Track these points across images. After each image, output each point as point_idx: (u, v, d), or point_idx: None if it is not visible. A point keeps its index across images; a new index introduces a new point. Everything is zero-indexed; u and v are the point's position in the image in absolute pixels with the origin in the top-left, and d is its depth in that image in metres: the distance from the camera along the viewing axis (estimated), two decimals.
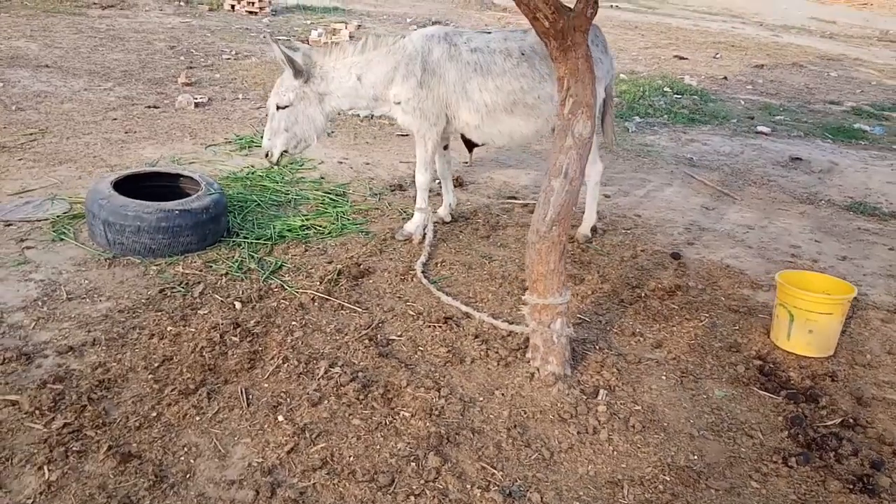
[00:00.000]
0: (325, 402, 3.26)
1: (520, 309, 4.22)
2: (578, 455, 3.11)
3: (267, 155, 4.90)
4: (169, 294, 4.07)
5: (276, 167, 5.12)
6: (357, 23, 15.11)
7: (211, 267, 4.43)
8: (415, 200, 5.14)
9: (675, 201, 6.45)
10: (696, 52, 16.53)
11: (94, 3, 13.85)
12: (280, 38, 12.96)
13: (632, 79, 11.91)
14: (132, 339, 3.62)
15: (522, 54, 4.76)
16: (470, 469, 2.96)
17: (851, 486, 3.03)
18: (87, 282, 4.11)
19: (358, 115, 6.06)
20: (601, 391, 3.52)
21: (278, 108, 4.76)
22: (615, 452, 3.15)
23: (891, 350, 4.19)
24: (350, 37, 13.20)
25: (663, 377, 3.75)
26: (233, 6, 15.81)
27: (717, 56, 16.11)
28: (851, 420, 3.49)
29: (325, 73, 4.75)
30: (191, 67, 9.66)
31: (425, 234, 5.03)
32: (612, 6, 27.07)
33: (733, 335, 4.22)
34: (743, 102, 11.39)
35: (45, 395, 3.07)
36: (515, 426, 3.23)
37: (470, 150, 6.58)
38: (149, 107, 7.67)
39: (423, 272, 4.56)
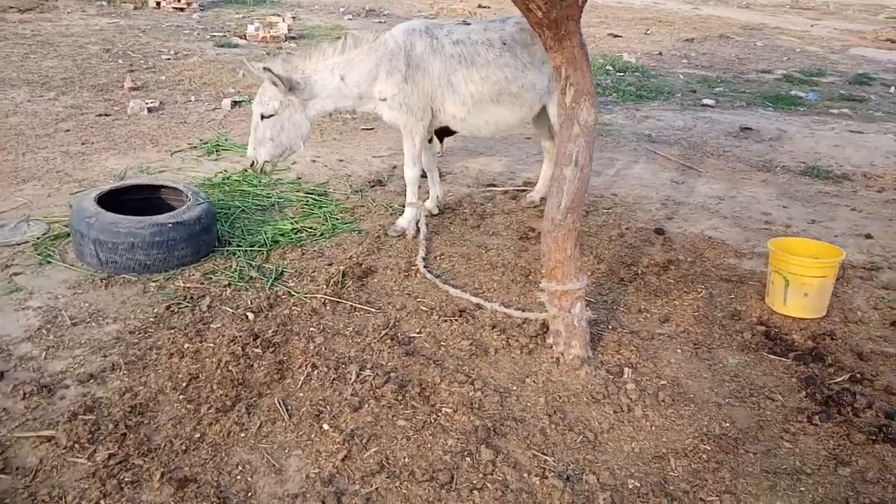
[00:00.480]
0: (366, 406, 3.26)
1: (527, 296, 4.32)
2: (620, 434, 3.21)
3: (252, 164, 4.80)
4: (176, 310, 3.97)
5: (261, 175, 5.01)
6: (291, 14, 14.82)
7: (211, 279, 4.33)
8: (402, 195, 5.12)
9: (645, 178, 6.63)
10: (628, 30, 16.88)
11: (11, 8, 13.16)
12: (215, 33, 12.66)
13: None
14: (152, 360, 3.52)
15: (504, 44, 4.80)
16: (522, 458, 3.01)
17: (874, 437, 3.23)
18: (87, 305, 3.97)
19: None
20: (626, 369, 3.63)
21: (262, 117, 4.67)
22: (653, 427, 3.26)
23: (876, 306, 4.45)
24: (288, 29, 12.97)
25: (678, 350, 3.88)
26: (158, 3, 15.29)
27: (648, 32, 16.51)
28: (858, 375, 3.70)
29: (308, 77, 4.68)
30: (132, 70, 9.31)
31: (418, 228, 5.04)
32: None
33: (732, 304, 4.40)
34: (682, 77, 11.73)
35: (80, 428, 2.97)
36: (555, 412, 3.30)
37: (441, 141, 6.62)
38: (100, 115, 7.38)
39: (425, 267, 4.57)
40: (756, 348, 3.94)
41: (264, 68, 4.52)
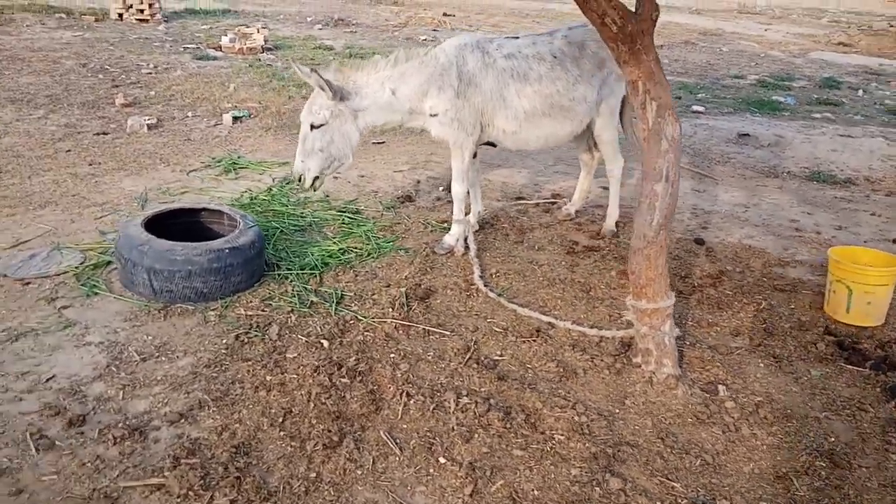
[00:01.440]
0: (476, 436, 3.15)
1: (593, 312, 4.28)
2: (735, 455, 3.18)
3: (299, 179, 4.63)
4: (246, 340, 3.79)
5: (309, 191, 4.85)
6: (260, 25, 14.51)
7: (270, 305, 4.16)
8: (434, 210, 5.00)
9: None
10: None
11: None
12: (187, 45, 12.33)
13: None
14: (237, 395, 3.35)
15: (554, 57, 4.76)
16: (650, 485, 2.95)
17: None
18: (149, 338, 3.76)
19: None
20: (720, 387, 3.61)
21: (312, 127, 4.51)
22: (764, 446, 3.24)
23: None
24: (265, 40, 12.70)
25: (761, 364, 3.89)
26: (120, 15, 14.81)
27: None
28: None
29: (359, 88, 4.55)
30: (116, 86, 8.97)
31: (467, 245, 4.95)
32: None
33: (794, 314, 4.43)
34: None
35: (189, 474, 2.79)
36: (665, 434, 3.26)
37: (475, 155, 6.52)
38: (97, 134, 7.06)
39: (486, 286, 4.48)
40: (832, 359, 3.97)
41: (312, 70, 4.38)
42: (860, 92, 12.53)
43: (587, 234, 5.48)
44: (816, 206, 6.37)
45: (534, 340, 3.95)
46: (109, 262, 4.45)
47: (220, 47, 12.36)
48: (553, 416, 3.31)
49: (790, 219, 6.03)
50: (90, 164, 6.20)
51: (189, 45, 12.40)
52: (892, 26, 20.02)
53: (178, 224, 4.58)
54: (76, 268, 4.36)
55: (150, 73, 9.83)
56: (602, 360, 3.79)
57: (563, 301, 4.43)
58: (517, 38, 4.89)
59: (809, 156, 7.99)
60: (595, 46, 4.85)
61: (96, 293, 4.12)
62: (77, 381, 3.35)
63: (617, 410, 3.41)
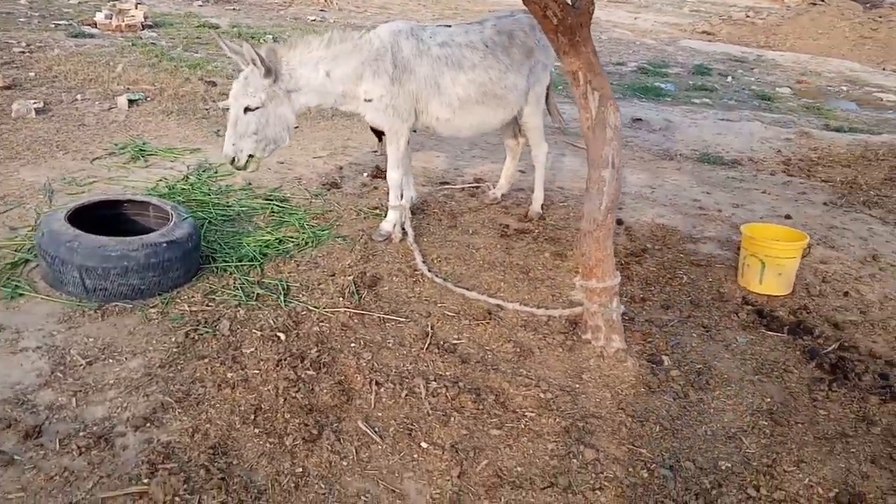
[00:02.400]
0: (453, 419, 3.22)
1: (535, 293, 4.44)
2: (689, 419, 3.43)
3: (233, 161, 4.47)
4: (198, 338, 3.65)
5: (242, 172, 4.70)
6: (135, 0, 13.66)
7: (214, 299, 4.02)
8: (361, 197, 4.99)
9: (579, 170, 6.93)
10: None
11: None
12: (58, 21, 11.46)
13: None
14: (200, 394, 3.24)
15: (486, 46, 4.84)
16: (619, 453, 3.14)
17: (885, 398, 3.69)
18: (90, 340, 3.54)
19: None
20: (664, 357, 3.86)
21: (247, 109, 4.36)
22: (712, 410, 3.52)
23: (824, 279, 5.02)
24: (144, 17, 12.00)
25: (694, 335, 4.18)
26: None
27: None
28: (846, 343, 4.19)
29: (293, 69, 4.43)
30: None
31: (404, 231, 4.97)
32: None
33: (713, 287, 4.78)
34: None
35: (172, 479, 2.68)
36: (625, 405, 3.45)
37: (379, 139, 6.52)
38: None
39: (431, 271, 4.53)
40: (754, 326, 4.33)
41: (246, 43, 4.24)
42: (729, 78, 13.47)
43: (515, 216, 5.63)
44: (713, 186, 6.85)
45: (487, 323, 4.05)
46: (28, 261, 4.13)
47: (96, 24, 11.54)
48: (520, 395, 3.42)
49: (692, 198, 6.45)
50: None
51: (59, 22, 11.51)
52: (748, 17, 21.59)
53: (99, 217, 4.31)
54: None
55: (24, 53, 9.05)
56: (554, 339, 3.94)
57: (506, 283, 4.56)
58: (449, 26, 4.93)
59: (697, 139, 8.55)
60: (523, 36, 4.98)
61: (20, 294, 3.82)
62: (22, 390, 3.12)
63: (577, 385, 3.58)
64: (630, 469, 3.04)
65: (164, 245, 3.93)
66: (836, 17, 19.51)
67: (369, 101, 4.62)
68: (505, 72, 4.87)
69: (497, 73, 4.83)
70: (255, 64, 4.26)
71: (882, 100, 13.09)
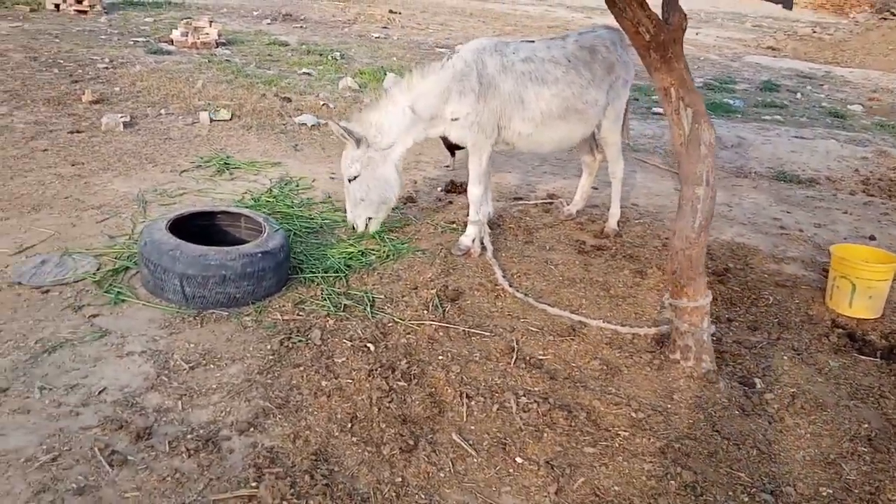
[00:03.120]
0: (546, 435, 3.22)
1: (617, 310, 4.41)
2: (786, 444, 3.36)
3: (353, 228, 4.88)
4: (291, 346, 3.74)
5: (367, 237, 5.04)
6: (208, 18, 14.10)
7: (304, 309, 4.12)
8: (437, 211, 5.08)
9: (651, 187, 6.89)
10: (538, 37, 17.36)
11: None
12: (137, 38, 11.90)
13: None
14: (298, 401, 3.31)
15: (569, 61, 4.86)
16: (718, 477, 3.09)
17: None
18: (191, 345, 3.66)
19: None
20: (756, 380, 3.79)
21: (349, 180, 4.68)
22: (809, 435, 3.44)
23: None
24: (218, 35, 12.36)
25: (784, 357, 4.10)
26: (57, 5, 14.12)
27: None
28: None
29: (381, 128, 4.63)
30: (76, 81, 8.58)
31: (483, 246, 5.00)
32: None
33: (801, 308, 4.68)
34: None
35: (279, 483, 2.75)
36: (720, 427, 3.40)
37: (452, 154, 6.58)
38: (71, 132, 6.75)
39: (511, 286, 4.55)
40: (846, 350, 4.23)
41: (334, 121, 4.62)
42: (798, 94, 13.20)
43: (590, 233, 5.62)
44: (792, 205, 6.72)
45: (571, 339, 4.05)
46: (128, 268, 4.29)
47: (172, 41, 11.95)
48: (612, 414, 3.41)
49: (772, 217, 6.34)
50: (73, 165, 5.93)
51: (138, 39, 11.96)
52: (814, 32, 21.14)
53: (195, 227, 4.46)
54: (93, 274, 4.19)
55: (108, 68, 9.44)
56: (641, 357, 3.91)
57: (587, 300, 4.55)
58: (532, 41, 4.97)
59: (772, 156, 8.39)
60: (605, 52, 4.99)
61: (123, 300, 3.98)
62: (130, 393, 3.24)
63: (668, 405, 3.54)
64: (730, 493, 2.99)
65: (259, 255, 4.05)
66: None
67: (455, 119, 4.69)
68: (586, 87, 4.88)
69: (579, 88, 4.85)
70: (344, 138, 4.49)
71: None
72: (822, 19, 27.48)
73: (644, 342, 4.09)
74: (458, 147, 6.04)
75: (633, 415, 3.41)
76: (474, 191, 4.95)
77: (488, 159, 4.91)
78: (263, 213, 4.99)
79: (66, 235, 4.67)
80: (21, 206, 5.05)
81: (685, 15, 4.00)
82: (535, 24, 20.24)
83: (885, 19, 19.79)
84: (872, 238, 5.98)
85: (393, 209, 5.52)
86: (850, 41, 19.47)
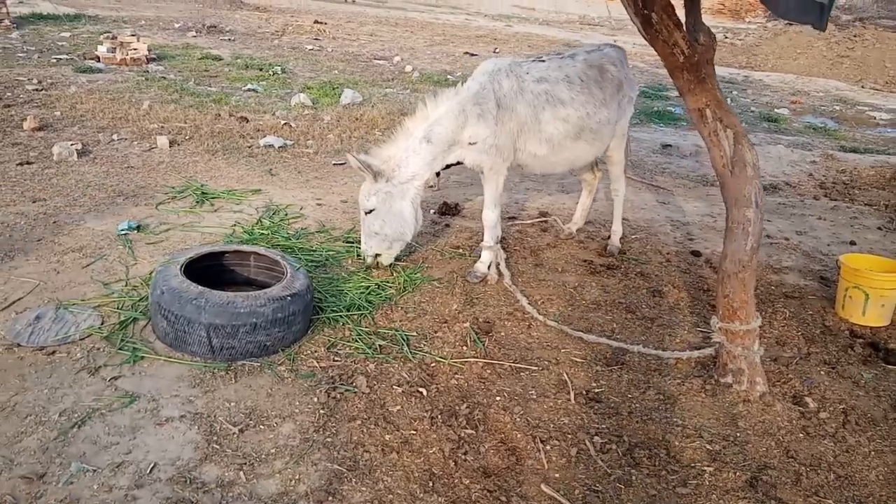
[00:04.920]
0: (634, 478, 3.10)
1: (649, 333, 4.35)
2: (858, 465, 3.35)
3: (364, 259, 4.73)
4: (340, 397, 3.48)
5: (379, 269, 4.80)
6: (131, 32, 13.36)
7: (338, 353, 3.86)
8: (438, 237, 4.92)
9: (633, 200, 6.91)
10: (474, 47, 17.40)
11: None
12: (59, 56, 11.12)
13: (458, 81, 12.23)
14: (368, 461, 3.07)
15: (582, 81, 4.78)
16: None
17: None
18: (231, 404, 3.34)
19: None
20: (808, 400, 3.79)
21: (366, 213, 4.50)
22: (874, 453, 3.45)
23: None
24: (149, 50, 11.70)
25: (822, 372, 4.13)
26: None
27: (497, 51, 17.14)
28: None
29: (399, 161, 4.44)
30: (7, 106, 7.89)
31: (500, 272, 4.85)
32: (346, 0, 27.30)
33: (816, 320, 4.76)
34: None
35: None
36: (793, 453, 3.37)
37: (438, 175, 6.42)
38: (21, 164, 6.18)
39: (542, 315, 4.42)
40: (873, 360, 4.31)
41: (353, 155, 4.43)
42: (728, 100, 13.69)
43: (594, 251, 5.56)
44: (769, 213, 6.87)
45: (620, 368, 3.95)
46: (136, 319, 3.91)
47: (99, 58, 11.24)
48: (689, 448, 3.32)
49: None
50: (34, 202, 5.41)
51: (60, 56, 11.20)
52: (726, 38, 22.08)
53: (200, 268, 4.12)
54: (99, 328, 3.78)
55: (39, 90, 8.74)
56: (692, 384, 3.86)
57: (617, 324, 4.47)
58: (543, 60, 4.86)
59: None
60: (614, 70, 4.94)
61: (141, 357, 3.60)
62: (184, 467, 2.91)
63: (737, 434, 3.49)
64: None
65: (289, 298, 3.76)
66: (813, 38, 20.06)
67: (473, 143, 4.52)
68: (599, 106, 4.81)
69: (593, 107, 4.77)
70: (363, 172, 4.37)
71: (875, 118, 13.44)
72: (721, 23, 28.76)
73: (687, 366, 4.03)
74: (443, 168, 5.88)
75: (709, 447, 3.34)
76: (490, 215, 4.79)
77: (504, 182, 4.76)
78: (264, 247, 4.68)
79: (52, 284, 4.22)
80: None
81: (713, 34, 3.98)
82: (460, 32, 20.28)
83: (790, 24, 20.88)
84: (853, 243, 6.19)
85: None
86: (761, 46, 20.46)
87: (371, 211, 4.50)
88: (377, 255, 4.68)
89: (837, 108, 14.15)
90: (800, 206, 7.20)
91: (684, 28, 3.81)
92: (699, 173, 8.23)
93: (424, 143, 4.43)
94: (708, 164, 8.39)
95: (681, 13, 3.88)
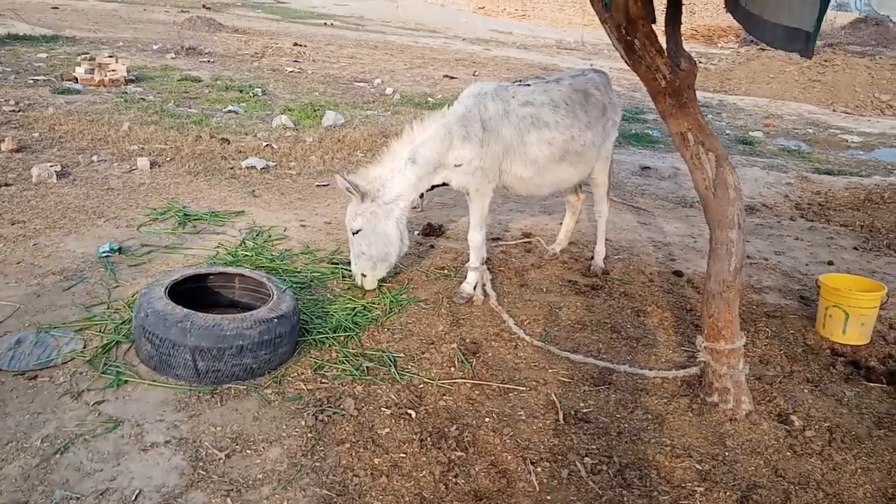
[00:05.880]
0: (626, 498, 3.10)
1: (635, 353, 4.37)
2: (846, 483, 3.37)
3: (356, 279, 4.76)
4: (327, 420, 3.44)
5: (366, 290, 4.81)
6: (109, 53, 13.29)
7: (325, 375, 3.83)
8: (422, 258, 4.93)
9: (614, 221, 6.96)
10: (454, 70, 17.54)
11: None
12: (36, 77, 11.04)
13: (439, 104, 12.32)
14: (358, 485, 3.03)
15: (567, 105, 4.84)
16: None
17: None
18: (217, 429, 3.30)
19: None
20: (793, 418, 3.83)
21: (353, 233, 4.54)
22: (860, 470, 3.48)
23: (891, 325, 5.10)
24: (127, 71, 11.65)
25: (805, 390, 4.17)
26: None
27: (476, 74, 17.28)
28: None
29: (385, 181, 4.49)
30: None
31: (486, 292, 4.86)
32: (325, 23, 27.45)
33: (797, 338, 4.81)
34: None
35: None
36: (782, 472, 3.39)
37: (421, 196, 6.43)
38: None
39: (527, 334, 4.43)
40: (854, 378, 4.36)
41: (338, 176, 4.49)
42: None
43: (577, 272, 5.59)
44: (748, 234, 6.94)
45: (607, 388, 3.96)
46: (119, 342, 3.85)
47: (77, 79, 11.16)
48: (679, 468, 3.33)
49: None
50: (12, 224, 5.33)
51: (37, 77, 11.10)
52: (700, 62, 22.48)
53: (185, 290, 4.07)
54: (82, 352, 3.72)
55: (16, 111, 8.65)
56: (679, 403, 3.88)
57: (603, 343, 4.49)
58: (528, 84, 4.92)
59: None
60: (598, 94, 5.01)
61: (125, 381, 3.54)
62: (170, 494, 2.86)
63: (726, 453, 3.50)
64: None
65: (276, 320, 3.73)
66: (785, 62, 20.48)
67: (458, 165, 4.55)
68: (584, 130, 4.87)
69: (578, 131, 4.83)
70: (350, 192, 4.42)
71: (847, 141, 13.72)
72: (693, 48, 29.30)
73: (673, 385, 4.06)
74: (427, 189, 5.90)
75: (698, 466, 3.35)
76: (476, 237, 4.80)
77: (489, 204, 4.78)
78: (249, 268, 4.65)
79: (32, 307, 4.14)
80: None
81: (694, 60, 4.06)
82: (440, 56, 20.43)
83: (763, 50, 21.33)
84: (831, 263, 6.29)
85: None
86: (734, 70, 20.85)
87: (357, 231, 4.51)
88: (363, 277, 4.69)
89: (810, 130, 14.42)
90: (777, 227, 7.31)
91: (666, 54, 3.87)
92: (678, 195, 8.34)
93: (410, 165, 4.46)
94: (686, 185, 8.56)
95: (662, 40, 3.97)
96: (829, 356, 4.60)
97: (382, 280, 4.85)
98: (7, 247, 4.91)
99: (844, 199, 8.55)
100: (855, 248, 6.82)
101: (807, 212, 8.03)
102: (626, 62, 4.02)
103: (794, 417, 3.83)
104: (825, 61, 20.44)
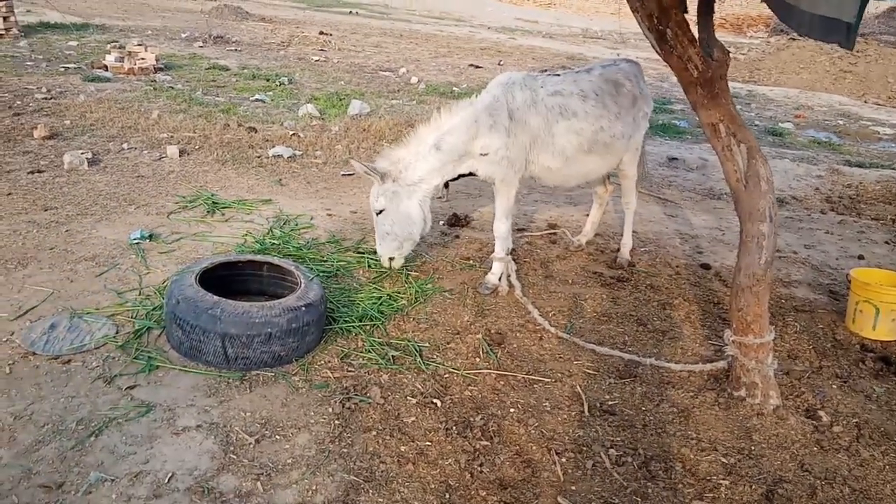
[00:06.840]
0: (651, 491, 3.10)
1: (661, 346, 4.35)
2: (874, 479, 3.35)
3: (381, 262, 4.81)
4: (354, 408, 3.48)
5: (392, 271, 4.88)
6: (138, 41, 13.43)
7: (351, 364, 3.86)
8: (447, 247, 4.95)
9: (641, 213, 6.90)
10: (479, 60, 17.48)
11: None
12: (67, 65, 11.17)
13: (464, 93, 12.30)
14: (384, 472, 3.07)
15: (596, 95, 4.81)
16: None
17: None
18: (247, 414, 3.35)
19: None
20: (821, 414, 3.79)
21: (376, 214, 4.58)
22: (888, 467, 3.45)
23: None
24: (156, 59, 11.76)
25: (834, 386, 4.13)
26: None
27: (501, 63, 17.21)
28: None
29: (408, 164, 4.51)
30: (17, 114, 7.93)
31: (510, 283, 4.86)
32: (350, 12, 27.45)
33: (827, 333, 4.76)
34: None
35: None
36: (806, 467, 3.37)
37: (446, 186, 6.43)
38: (32, 172, 6.20)
39: (552, 325, 4.43)
40: (884, 375, 4.31)
41: (356, 160, 4.56)
42: None
43: (603, 263, 5.57)
44: (777, 227, 6.87)
45: (632, 381, 3.95)
46: (150, 328, 3.91)
47: (107, 67, 11.30)
48: (705, 461, 3.32)
49: None
50: (45, 210, 5.42)
51: (68, 65, 11.24)
52: (729, 51, 22.15)
53: (215, 278, 4.12)
54: (114, 338, 3.79)
55: (48, 99, 8.78)
56: (706, 397, 3.86)
57: (629, 336, 4.48)
58: (558, 74, 4.89)
59: None
60: (630, 85, 4.97)
61: (156, 366, 3.60)
62: (202, 476, 2.91)
63: (752, 447, 3.48)
64: None
65: (304, 309, 3.77)
66: (816, 52, 20.14)
67: (485, 154, 4.55)
68: (614, 120, 4.84)
69: (607, 122, 4.80)
70: (368, 175, 4.46)
71: (879, 133, 13.47)
72: (722, 38, 28.83)
73: (700, 379, 4.04)
74: (453, 178, 5.89)
75: (724, 460, 3.33)
76: (501, 227, 4.80)
77: (515, 194, 4.78)
78: (277, 257, 4.70)
79: (66, 293, 4.23)
80: (3, 260, 4.54)
81: (727, 50, 4.02)
82: (465, 45, 20.36)
83: (794, 39, 20.98)
84: (861, 258, 6.20)
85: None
86: (764, 60, 20.53)
87: (381, 211, 4.57)
88: (391, 259, 4.74)
89: (841, 122, 14.17)
90: (807, 220, 7.21)
91: (698, 44, 3.83)
92: (706, 186, 8.26)
93: (434, 151, 4.47)
94: (714, 177, 8.47)
95: (694, 29, 3.92)
96: (858, 352, 4.55)
97: (408, 267, 4.87)
98: (41, 233, 5.01)
99: (876, 193, 8.41)
100: (886, 243, 6.72)
101: (837, 205, 7.91)
102: (657, 52, 3.98)
103: (821, 413, 3.79)
104: (857, 51, 20.04)
